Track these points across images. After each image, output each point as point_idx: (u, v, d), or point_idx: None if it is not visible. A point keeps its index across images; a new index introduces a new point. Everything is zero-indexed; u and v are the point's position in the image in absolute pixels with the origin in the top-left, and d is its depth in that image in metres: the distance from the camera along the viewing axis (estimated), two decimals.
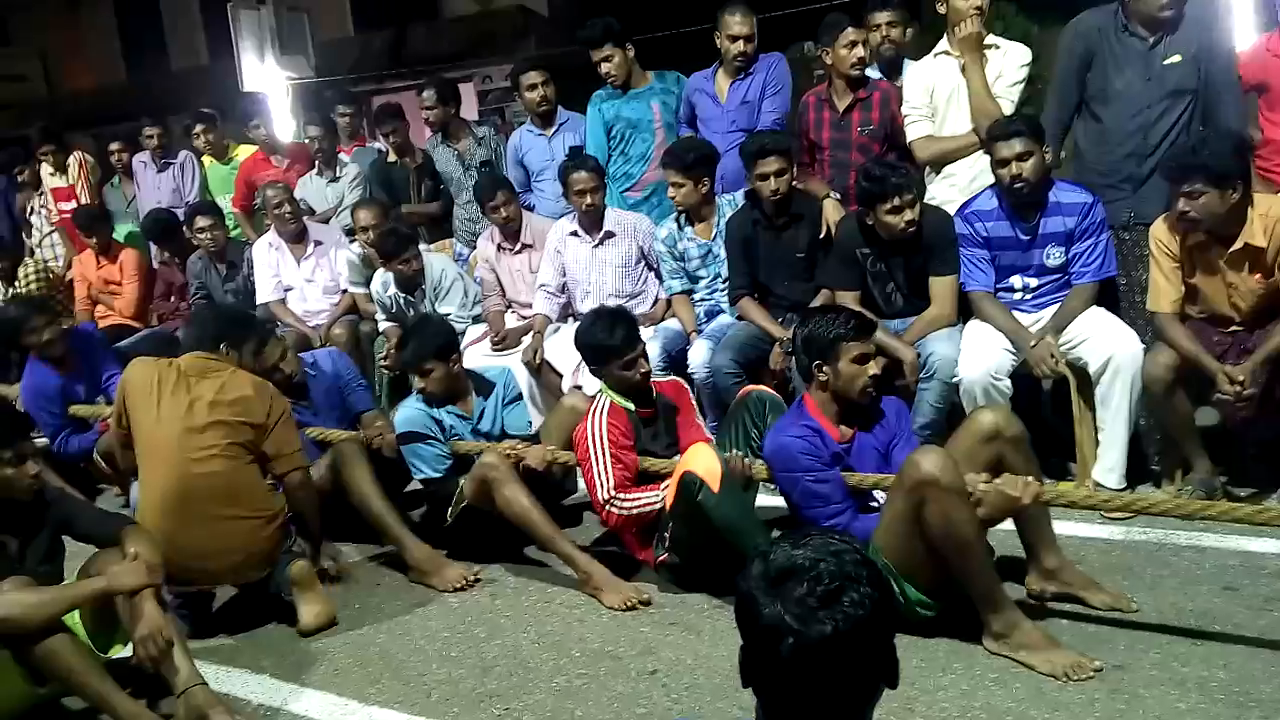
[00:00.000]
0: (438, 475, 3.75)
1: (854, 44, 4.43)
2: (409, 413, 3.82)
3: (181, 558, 3.20)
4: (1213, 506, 2.78)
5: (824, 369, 2.99)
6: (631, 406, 3.50)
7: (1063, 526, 3.11)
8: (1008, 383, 3.68)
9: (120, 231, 6.79)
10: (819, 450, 2.96)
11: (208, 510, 3.28)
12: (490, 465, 3.51)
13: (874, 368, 3.00)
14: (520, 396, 4.14)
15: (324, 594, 3.42)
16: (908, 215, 3.79)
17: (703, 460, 3.14)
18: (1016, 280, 3.88)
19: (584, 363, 3.74)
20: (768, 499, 3.55)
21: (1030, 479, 2.72)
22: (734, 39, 4.75)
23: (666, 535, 3.30)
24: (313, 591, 3.37)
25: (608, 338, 3.46)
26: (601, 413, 3.45)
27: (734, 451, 3.27)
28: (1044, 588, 2.96)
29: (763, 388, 3.67)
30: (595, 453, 3.39)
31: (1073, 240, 3.76)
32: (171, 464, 3.28)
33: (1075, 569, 2.99)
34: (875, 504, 3.04)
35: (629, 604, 3.25)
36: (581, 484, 3.99)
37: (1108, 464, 3.64)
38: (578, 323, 4.95)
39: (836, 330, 2.98)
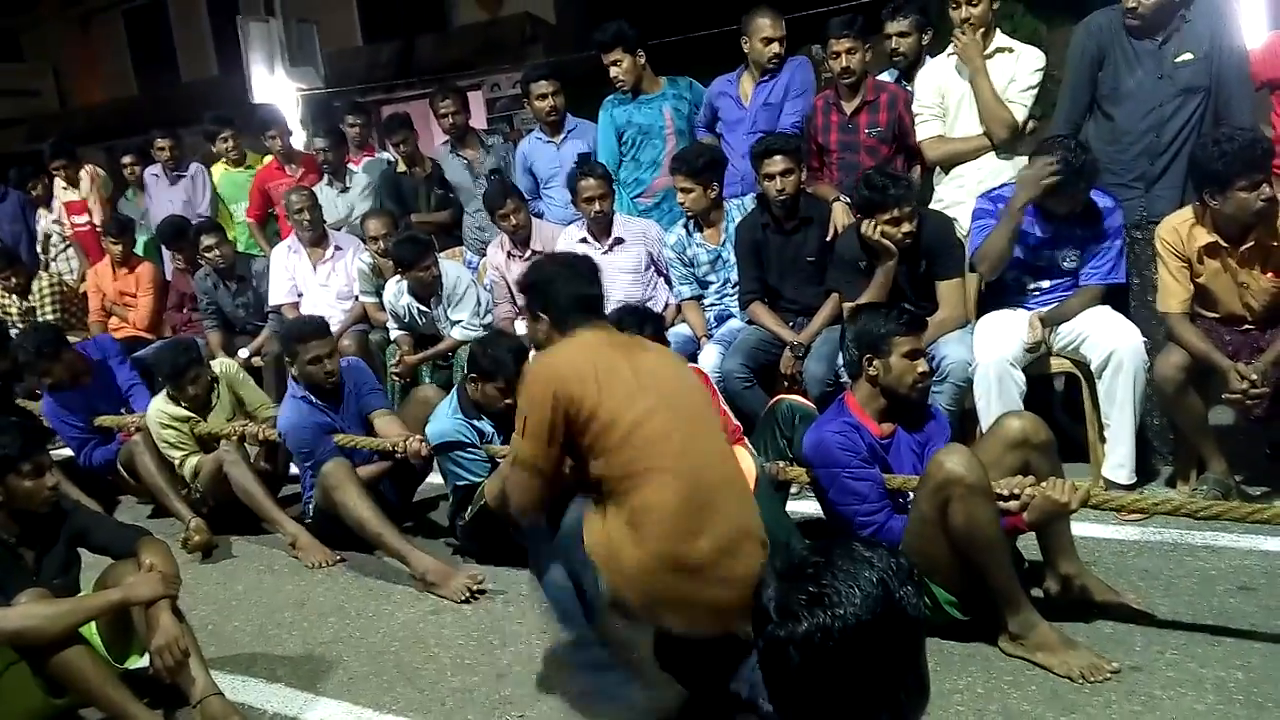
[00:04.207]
0: (479, 479, 3.70)
1: (837, 55, 4.41)
2: (451, 424, 3.76)
3: (682, 586, 2.39)
4: (1239, 508, 2.73)
5: (874, 363, 2.98)
6: None
7: (1078, 528, 3.09)
8: (1022, 374, 3.66)
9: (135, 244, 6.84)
10: (857, 445, 2.95)
11: (724, 517, 2.43)
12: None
13: (923, 365, 2.99)
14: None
15: None
16: (905, 227, 3.79)
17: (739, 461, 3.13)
18: (1029, 280, 3.87)
19: None
20: (795, 505, 3.55)
21: (1075, 483, 2.70)
22: (767, 41, 4.73)
23: None
24: None
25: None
26: None
27: (776, 463, 3.26)
28: (1061, 594, 2.93)
29: (794, 397, 3.63)
30: None
31: (1087, 243, 3.75)
32: (679, 457, 2.41)
33: (1093, 575, 2.97)
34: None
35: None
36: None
37: (1116, 460, 3.63)
38: None
39: (889, 325, 2.97)
